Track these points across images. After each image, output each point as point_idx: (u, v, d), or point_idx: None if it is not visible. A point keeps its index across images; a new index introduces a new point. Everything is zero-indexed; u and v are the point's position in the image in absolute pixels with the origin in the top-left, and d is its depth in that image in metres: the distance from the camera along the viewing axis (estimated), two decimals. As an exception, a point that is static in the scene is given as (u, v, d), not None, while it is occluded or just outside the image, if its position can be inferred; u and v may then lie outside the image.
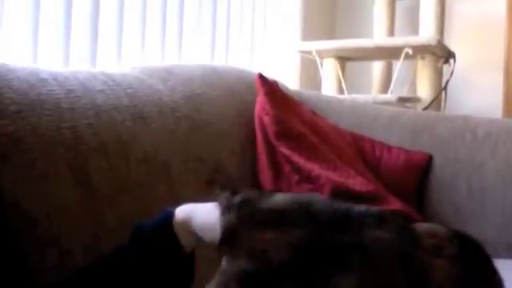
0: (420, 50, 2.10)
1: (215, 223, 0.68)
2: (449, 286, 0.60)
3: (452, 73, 2.20)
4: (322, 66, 2.29)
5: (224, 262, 0.57)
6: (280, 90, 1.48)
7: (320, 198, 0.60)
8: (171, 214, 0.74)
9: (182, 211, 0.74)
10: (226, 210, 0.61)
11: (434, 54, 2.15)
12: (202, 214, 0.72)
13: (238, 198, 0.60)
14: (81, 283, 0.74)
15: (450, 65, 2.23)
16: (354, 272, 0.55)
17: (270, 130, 1.33)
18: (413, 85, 2.25)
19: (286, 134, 1.32)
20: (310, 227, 0.56)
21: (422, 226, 0.66)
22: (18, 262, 0.74)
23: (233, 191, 0.62)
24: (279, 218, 0.57)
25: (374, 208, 0.62)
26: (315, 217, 0.57)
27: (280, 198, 0.59)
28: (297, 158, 1.29)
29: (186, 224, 0.72)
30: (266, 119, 1.34)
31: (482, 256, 0.67)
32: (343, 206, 0.60)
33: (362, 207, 0.61)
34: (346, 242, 0.55)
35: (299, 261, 0.55)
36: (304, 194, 0.61)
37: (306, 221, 0.57)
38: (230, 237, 0.57)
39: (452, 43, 2.34)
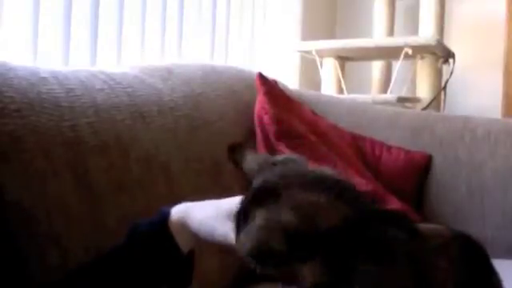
0: (420, 50, 2.10)
1: (213, 224, 0.68)
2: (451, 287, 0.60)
3: (451, 73, 2.20)
4: (321, 65, 2.29)
5: (261, 216, 0.53)
6: (280, 90, 1.48)
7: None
8: (167, 214, 0.74)
9: (178, 211, 0.74)
10: (266, 164, 0.60)
11: (433, 53, 2.15)
12: (199, 213, 0.71)
13: (283, 156, 0.59)
14: (77, 283, 0.74)
15: (449, 65, 2.23)
16: (376, 267, 0.54)
17: (270, 129, 1.33)
18: (412, 85, 2.25)
19: (286, 133, 1.32)
20: (351, 209, 0.55)
21: (426, 227, 0.66)
22: (17, 262, 0.74)
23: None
24: (322, 184, 0.56)
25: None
26: (355, 200, 0.56)
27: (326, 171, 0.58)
28: (297, 158, 1.29)
29: (182, 223, 0.72)
30: (266, 119, 1.34)
31: (481, 256, 0.67)
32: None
33: (374, 206, 0.61)
34: (375, 237, 0.55)
35: (344, 234, 0.54)
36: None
37: (350, 199, 0.56)
38: (271, 190, 0.55)
39: (452, 43, 2.34)
